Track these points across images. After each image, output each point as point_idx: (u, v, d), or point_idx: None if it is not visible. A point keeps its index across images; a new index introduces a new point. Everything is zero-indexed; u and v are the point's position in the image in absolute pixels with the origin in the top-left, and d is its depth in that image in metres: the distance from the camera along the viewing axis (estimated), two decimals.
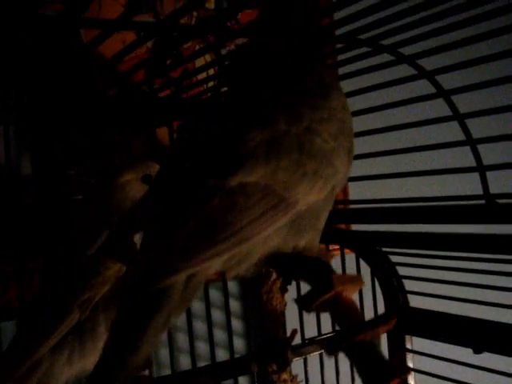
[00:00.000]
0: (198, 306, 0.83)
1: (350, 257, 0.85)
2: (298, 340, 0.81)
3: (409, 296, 0.83)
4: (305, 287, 0.81)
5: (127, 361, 0.38)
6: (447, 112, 0.59)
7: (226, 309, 0.79)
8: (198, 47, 0.80)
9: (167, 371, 0.77)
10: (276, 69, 0.47)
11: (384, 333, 0.48)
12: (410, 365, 0.83)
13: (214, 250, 0.38)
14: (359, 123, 0.73)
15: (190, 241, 0.38)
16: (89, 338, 0.54)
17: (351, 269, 0.84)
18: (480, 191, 0.58)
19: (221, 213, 0.38)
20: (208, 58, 0.80)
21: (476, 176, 0.59)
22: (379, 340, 0.46)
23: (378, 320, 0.47)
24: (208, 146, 0.43)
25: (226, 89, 0.66)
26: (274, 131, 0.41)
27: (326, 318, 0.84)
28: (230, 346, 0.79)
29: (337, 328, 0.85)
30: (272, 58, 0.47)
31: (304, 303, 0.47)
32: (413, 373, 0.83)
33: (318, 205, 0.44)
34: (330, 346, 0.54)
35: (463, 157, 0.63)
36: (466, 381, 0.72)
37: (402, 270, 0.83)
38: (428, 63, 0.58)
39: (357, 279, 0.48)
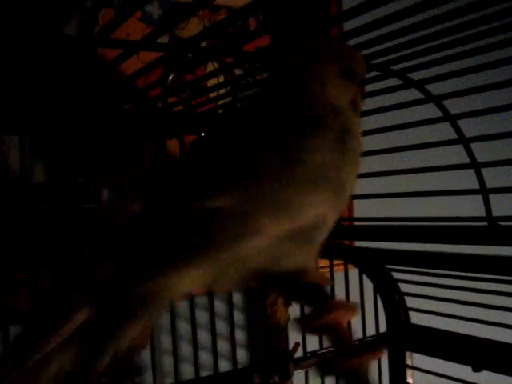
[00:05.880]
0: (202, 316, 0.85)
1: (354, 272, 0.86)
2: (300, 353, 0.82)
3: (410, 313, 0.85)
4: None
5: (89, 363, 0.37)
6: (452, 134, 0.61)
7: (231, 320, 0.80)
8: (212, 67, 0.83)
9: (171, 380, 0.78)
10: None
11: (373, 360, 0.50)
12: (410, 381, 0.84)
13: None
14: (367, 143, 0.75)
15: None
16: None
17: (354, 284, 0.85)
18: (483, 213, 0.60)
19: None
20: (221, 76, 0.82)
21: (479, 198, 0.61)
22: (367, 366, 0.47)
23: (367, 347, 0.48)
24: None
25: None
26: None
27: None
28: (233, 357, 0.80)
29: None
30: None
31: (301, 324, 0.49)
32: None
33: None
34: (320, 368, 0.55)
35: (467, 178, 0.65)
36: None
37: (404, 287, 0.84)
38: (435, 87, 0.60)
39: (350, 307, 0.49)
